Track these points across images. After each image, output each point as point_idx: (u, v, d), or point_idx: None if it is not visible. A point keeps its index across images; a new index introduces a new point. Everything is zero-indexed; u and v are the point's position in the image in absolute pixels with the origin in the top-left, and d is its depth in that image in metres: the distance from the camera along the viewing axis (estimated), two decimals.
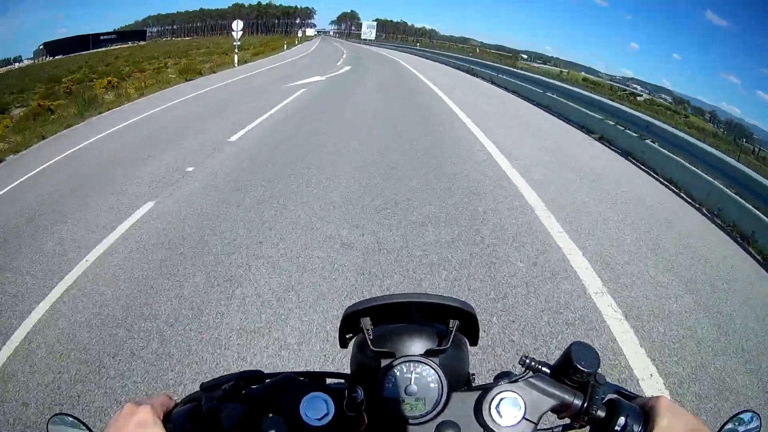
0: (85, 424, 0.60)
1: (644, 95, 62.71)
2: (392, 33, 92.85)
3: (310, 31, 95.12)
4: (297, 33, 64.70)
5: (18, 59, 54.51)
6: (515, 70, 15.43)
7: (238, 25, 20.27)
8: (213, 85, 14.04)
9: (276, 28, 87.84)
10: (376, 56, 29.56)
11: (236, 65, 20.02)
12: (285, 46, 35.87)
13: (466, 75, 17.13)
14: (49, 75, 21.23)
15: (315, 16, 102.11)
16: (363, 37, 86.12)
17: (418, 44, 50.88)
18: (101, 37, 59.96)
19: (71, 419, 0.60)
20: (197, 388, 0.65)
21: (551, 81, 12.14)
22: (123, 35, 65.13)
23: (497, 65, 16.97)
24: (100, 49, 53.28)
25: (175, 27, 79.06)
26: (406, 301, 0.67)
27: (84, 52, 52.68)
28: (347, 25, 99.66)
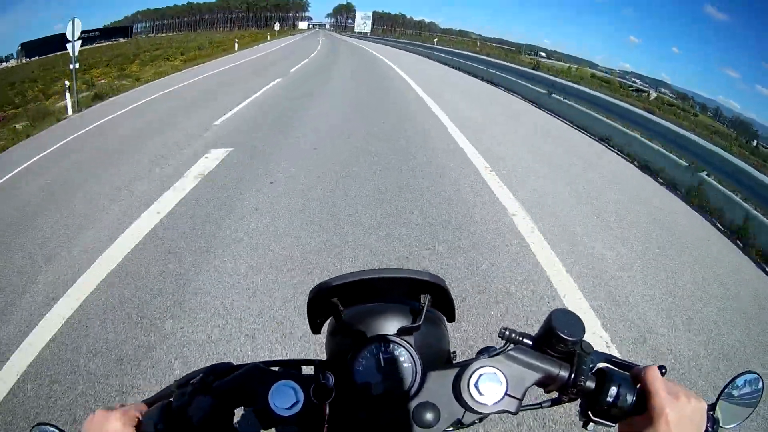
0: None
1: (651, 92, 61.89)
2: (390, 26, 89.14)
3: (302, 24, 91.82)
4: (274, 27, 55.76)
5: (10, 57, 53.00)
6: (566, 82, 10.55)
7: (74, 30, 12.27)
8: None
9: (269, 21, 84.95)
10: (359, 66, 18.50)
11: (70, 114, 10.90)
12: (236, 45, 28.17)
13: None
14: None
15: (309, 8, 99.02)
16: (357, 30, 78.42)
17: (435, 40, 34.73)
18: (83, 35, 57.68)
19: (53, 429, 0.60)
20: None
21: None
22: (108, 32, 63.07)
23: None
24: (80, 48, 51.21)
25: (164, 22, 76.58)
26: (373, 277, 0.63)
27: (60, 53, 50.65)
28: (343, 17, 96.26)
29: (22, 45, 51.36)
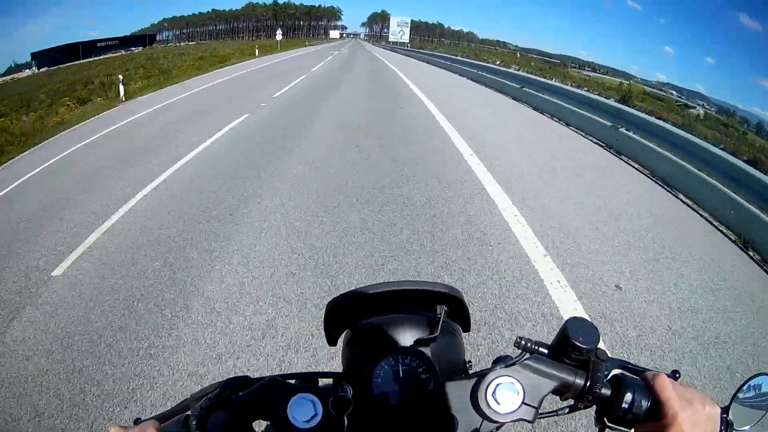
0: None
1: (699, 108, 55.95)
2: (427, 36, 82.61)
3: (333, 33, 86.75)
4: (276, 35, 39.30)
5: (27, 66, 50.86)
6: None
7: None
8: None
9: (296, 30, 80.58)
10: None
11: None
12: (120, 90, 14.77)
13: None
14: None
15: (343, 16, 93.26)
16: (392, 39, 64.91)
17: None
18: (98, 44, 55.26)
19: None
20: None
21: None
22: (125, 41, 60.53)
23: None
24: (89, 60, 48.27)
25: (189, 31, 73.58)
26: (390, 290, 0.65)
27: (72, 63, 47.78)
28: (378, 26, 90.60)
29: (33, 55, 48.80)
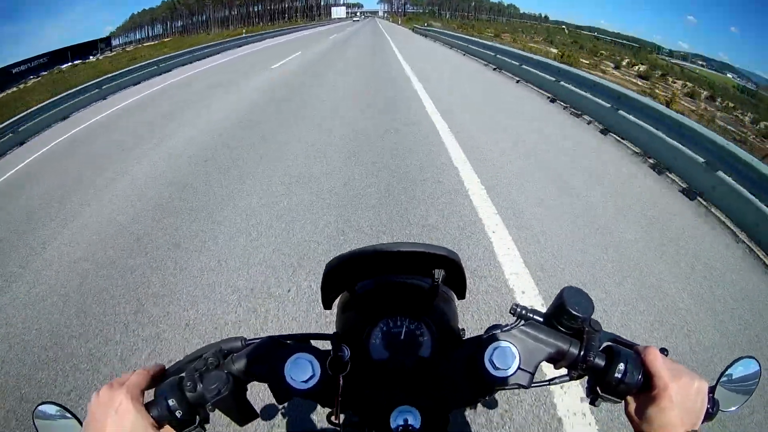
0: (70, 411, 0.58)
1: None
2: (460, 12, 62.73)
3: (337, 12, 68.05)
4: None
5: None
6: None
7: None
8: None
9: (287, 13, 63.50)
10: None
11: None
12: None
13: None
14: None
15: None
16: None
17: None
18: (14, 70, 42.46)
19: (57, 407, 0.58)
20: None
21: None
22: (59, 55, 47.71)
23: None
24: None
25: (159, 26, 59.16)
26: (387, 251, 0.61)
27: None
28: (400, 1, 70.83)
29: None
